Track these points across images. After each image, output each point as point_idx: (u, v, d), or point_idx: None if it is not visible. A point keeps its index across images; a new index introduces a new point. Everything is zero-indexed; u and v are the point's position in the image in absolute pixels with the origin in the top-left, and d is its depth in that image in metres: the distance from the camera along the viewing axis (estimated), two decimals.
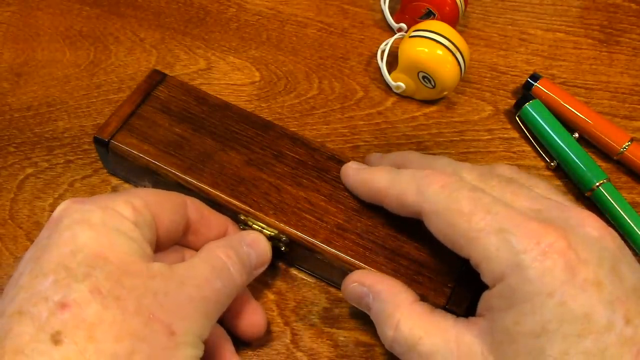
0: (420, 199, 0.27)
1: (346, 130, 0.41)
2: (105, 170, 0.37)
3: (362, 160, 0.35)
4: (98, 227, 0.25)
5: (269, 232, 0.32)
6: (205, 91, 0.36)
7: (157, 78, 0.37)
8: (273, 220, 0.32)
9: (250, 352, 0.32)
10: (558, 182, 0.40)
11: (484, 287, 0.26)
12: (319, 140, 0.40)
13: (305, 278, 0.34)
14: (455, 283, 0.30)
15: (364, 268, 0.31)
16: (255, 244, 0.31)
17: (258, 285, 0.34)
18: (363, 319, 0.33)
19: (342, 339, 0.33)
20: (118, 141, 0.34)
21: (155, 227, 0.27)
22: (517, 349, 0.23)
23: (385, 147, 0.40)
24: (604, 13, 0.49)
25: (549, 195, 0.28)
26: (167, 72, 0.37)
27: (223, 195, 0.32)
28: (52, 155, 0.38)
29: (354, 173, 0.32)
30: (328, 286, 0.34)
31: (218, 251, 0.28)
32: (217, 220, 0.32)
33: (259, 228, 0.32)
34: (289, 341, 0.32)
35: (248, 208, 0.32)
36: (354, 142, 0.40)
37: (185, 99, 0.36)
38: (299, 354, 0.32)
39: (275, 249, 0.33)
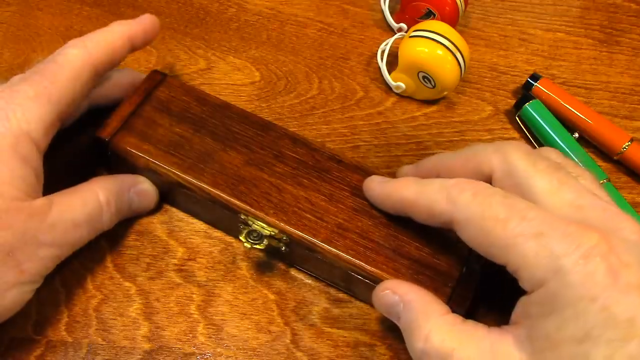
0: (451, 208, 0.27)
1: (346, 130, 0.41)
2: (105, 171, 0.37)
3: (389, 175, 0.35)
4: (6, 154, 0.28)
5: (269, 232, 0.32)
6: (206, 91, 0.36)
7: (157, 78, 0.37)
8: (274, 220, 0.32)
9: (250, 352, 0.32)
10: None
11: (487, 288, 0.26)
12: (319, 140, 0.40)
13: (305, 278, 0.34)
14: (456, 283, 0.30)
15: (364, 267, 0.31)
16: (143, 195, 0.34)
17: (258, 285, 0.34)
18: (363, 319, 0.33)
19: (342, 339, 0.33)
20: (118, 140, 0.34)
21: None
22: (560, 355, 0.23)
23: (385, 147, 0.40)
24: (604, 13, 0.49)
25: (594, 190, 0.27)
26: (167, 72, 0.37)
27: (223, 195, 0.32)
28: None
29: (378, 186, 0.31)
30: (328, 286, 0.34)
31: (100, 193, 0.31)
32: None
33: (260, 227, 0.32)
34: (289, 341, 0.32)
35: (248, 207, 0.32)
36: (354, 142, 0.40)
37: (185, 99, 0.36)
38: (299, 354, 0.32)
39: (276, 250, 0.33)
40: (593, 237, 0.23)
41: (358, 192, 0.33)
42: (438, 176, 0.30)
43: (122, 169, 0.36)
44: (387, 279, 0.30)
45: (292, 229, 0.31)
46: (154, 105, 0.35)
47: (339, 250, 0.31)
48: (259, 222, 0.32)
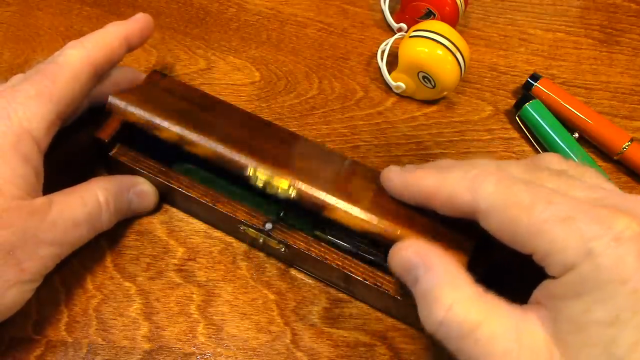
0: (474, 197, 0.26)
1: (346, 130, 0.41)
2: (104, 171, 0.37)
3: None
4: (8, 153, 0.28)
5: (278, 185, 0.30)
6: (207, 92, 0.36)
7: (157, 78, 0.37)
8: (285, 172, 0.30)
9: (250, 352, 0.32)
10: None
11: (488, 287, 0.26)
12: (319, 140, 0.40)
13: (305, 278, 0.34)
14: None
15: (379, 224, 0.29)
16: (142, 196, 0.35)
17: (258, 285, 0.34)
18: (363, 319, 0.33)
19: (342, 339, 0.33)
20: (120, 97, 0.33)
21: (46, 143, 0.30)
22: (586, 339, 0.22)
23: (385, 147, 0.40)
24: (604, 13, 0.49)
25: (601, 185, 0.26)
26: (167, 72, 0.37)
27: (231, 149, 0.31)
28: None
29: (397, 176, 0.30)
30: (328, 286, 0.34)
31: (99, 193, 0.32)
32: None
33: (268, 178, 0.30)
34: (289, 341, 0.32)
35: (258, 160, 0.31)
36: (354, 142, 0.40)
37: (188, 95, 0.36)
38: (299, 354, 0.32)
39: (275, 251, 0.33)
40: (624, 220, 0.23)
41: (365, 178, 0.32)
42: (421, 198, 0.29)
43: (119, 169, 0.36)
44: (405, 237, 0.29)
45: (302, 183, 0.30)
46: (158, 87, 0.35)
47: (354, 205, 0.29)
48: (268, 172, 0.30)
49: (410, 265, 0.27)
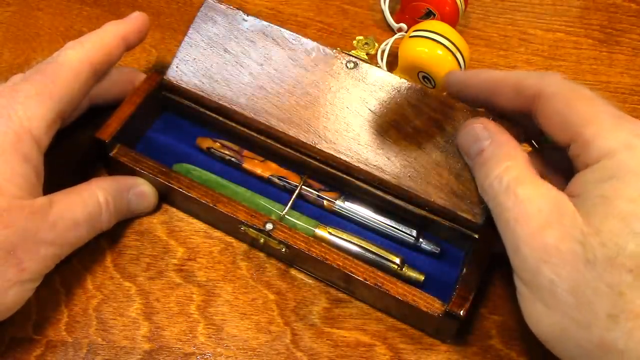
0: (541, 81, 0.29)
1: None
2: (104, 171, 0.37)
3: None
4: (8, 152, 0.28)
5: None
6: None
7: (157, 79, 0.37)
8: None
9: (250, 352, 0.32)
10: None
11: (488, 287, 0.26)
12: None
13: (305, 278, 0.34)
14: (456, 283, 0.30)
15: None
16: (142, 196, 0.35)
17: (258, 285, 0.34)
18: (363, 319, 0.33)
19: (342, 339, 0.33)
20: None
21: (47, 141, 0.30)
22: (610, 210, 0.25)
23: None
24: (604, 13, 0.49)
25: None
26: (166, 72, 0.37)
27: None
28: None
29: (462, 72, 0.34)
30: (328, 286, 0.34)
31: (99, 193, 0.32)
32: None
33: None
34: (289, 341, 0.32)
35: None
36: None
37: None
38: (299, 354, 0.32)
39: (276, 251, 0.33)
40: None
41: None
42: (485, 86, 0.32)
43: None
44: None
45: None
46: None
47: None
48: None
49: (478, 137, 0.31)
